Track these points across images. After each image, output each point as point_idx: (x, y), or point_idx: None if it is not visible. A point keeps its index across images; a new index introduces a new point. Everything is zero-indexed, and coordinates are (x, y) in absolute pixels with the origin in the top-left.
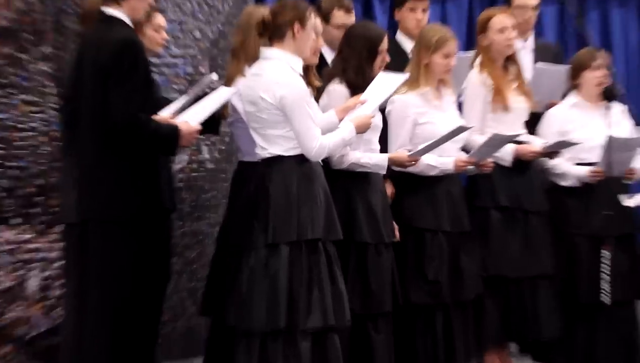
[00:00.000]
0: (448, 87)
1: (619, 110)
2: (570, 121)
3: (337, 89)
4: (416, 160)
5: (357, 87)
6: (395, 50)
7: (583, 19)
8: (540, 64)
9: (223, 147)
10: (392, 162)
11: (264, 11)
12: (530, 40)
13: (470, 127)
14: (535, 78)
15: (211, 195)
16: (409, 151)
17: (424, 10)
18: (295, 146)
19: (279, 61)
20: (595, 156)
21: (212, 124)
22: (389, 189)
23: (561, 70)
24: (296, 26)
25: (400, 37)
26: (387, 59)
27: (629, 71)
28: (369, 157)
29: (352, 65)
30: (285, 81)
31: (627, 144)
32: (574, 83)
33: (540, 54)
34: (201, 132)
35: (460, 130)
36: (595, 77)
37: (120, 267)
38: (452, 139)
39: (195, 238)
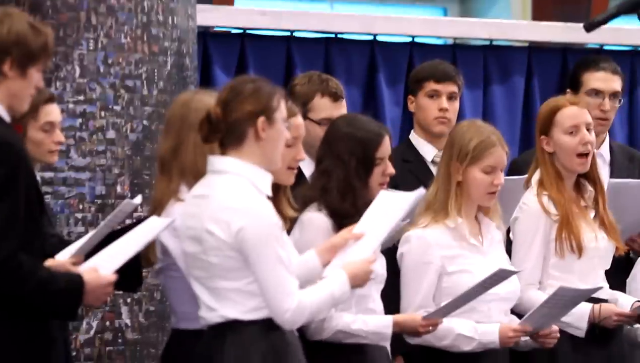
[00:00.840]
0: (493, 217)
1: None
2: None
3: (314, 220)
4: (435, 325)
5: (344, 215)
6: (412, 157)
7: None
8: (615, 180)
9: (152, 308)
10: (400, 328)
11: (208, 101)
12: (605, 147)
13: (518, 271)
14: (611, 201)
15: None
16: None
17: (451, 98)
18: (259, 306)
19: (235, 177)
20: None
21: (131, 274)
22: None
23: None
24: (260, 123)
25: (416, 138)
26: (391, 171)
27: None
28: (363, 321)
29: (336, 182)
30: (245, 206)
31: None
32: None
33: (619, 168)
34: (118, 286)
35: (503, 275)
36: None
37: None
38: (495, 294)
39: None
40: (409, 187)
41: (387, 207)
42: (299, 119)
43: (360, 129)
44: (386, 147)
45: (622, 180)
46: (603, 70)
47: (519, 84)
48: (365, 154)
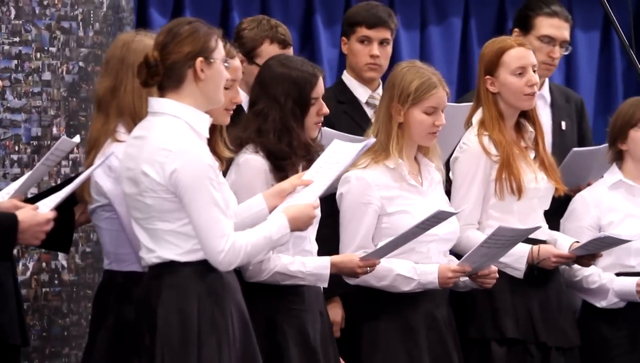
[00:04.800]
0: (432, 158)
1: None
2: (609, 209)
3: (251, 161)
4: (373, 266)
5: (280, 156)
6: (346, 98)
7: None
8: (577, 149)
9: (88, 249)
10: (337, 269)
11: (148, 43)
12: (546, 89)
13: (457, 212)
14: (569, 163)
15: (70, 321)
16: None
17: (383, 43)
18: (196, 248)
19: (172, 118)
20: None
21: (62, 233)
22: (337, 313)
23: (602, 151)
24: (199, 64)
25: (349, 79)
26: (326, 110)
27: None
28: (302, 262)
29: (272, 124)
30: (180, 148)
31: None
32: (614, 152)
33: (559, 109)
34: (49, 246)
35: (441, 217)
36: None
37: None
38: (434, 234)
39: None
40: (344, 128)
41: (338, 154)
42: (236, 61)
43: (295, 69)
44: (320, 86)
45: (584, 148)
46: (557, 17)
47: (456, 25)
48: (300, 95)
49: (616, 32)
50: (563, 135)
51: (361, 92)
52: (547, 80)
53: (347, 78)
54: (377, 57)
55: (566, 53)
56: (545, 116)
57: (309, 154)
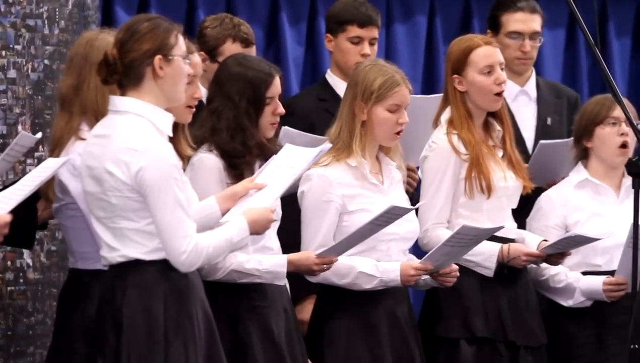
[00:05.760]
0: (394, 157)
1: None
2: (576, 208)
3: (205, 160)
4: (330, 263)
5: (234, 155)
6: (328, 96)
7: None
8: (544, 142)
9: (54, 248)
10: (294, 266)
11: (110, 40)
12: (531, 84)
13: (411, 209)
14: (538, 156)
15: (36, 320)
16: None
17: (372, 43)
18: (160, 246)
19: (136, 117)
20: (612, 260)
21: (25, 230)
22: (309, 311)
23: (570, 143)
24: (157, 61)
25: (332, 76)
26: (281, 110)
27: None
28: (258, 261)
29: (226, 123)
30: (145, 148)
31: None
32: (580, 150)
33: (546, 105)
34: (12, 242)
35: (395, 213)
36: (610, 137)
37: None
38: (394, 233)
39: None
40: (326, 125)
41: (292, 159)
42: (195, 57)
43: (250, 68)
44: (276, 86)
45: (551, 141)
46: (521, 11)
47: (422, 23)
48: (255, 94)
49: (581, 30)
50: (548, 131)
51: (343, 89)
52: (533, 75)
53: (330, 76)
54: (368, 55)
55: (540, 43)
56: (529, 112)
57: (263, 153)
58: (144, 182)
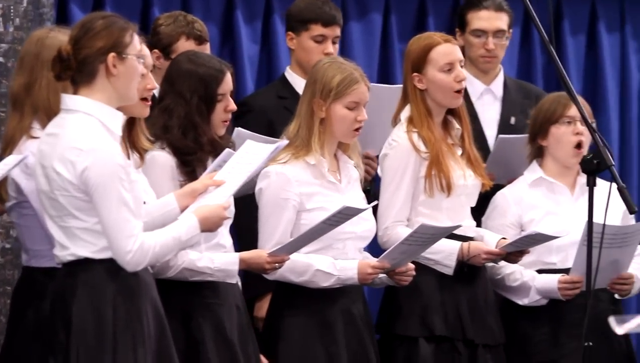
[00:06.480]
0: (352, 155)
1: (605, 189)
2: (530, 206)
3: (157, 158)
4: (282, 262)
5: (186, 152)
6: (288, 93)
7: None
8: (503, 136)
9: (8, 245)
10: (246, 265)
11: (63, 39)
12: (497, 83)
13: (363, 209)
14: (497, 150)
15: None
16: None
17: (335, 42)
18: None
19: (85, 116)
20: (567, 258)
21: None
22: (264, 308)
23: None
24: (110, 59)
25: (292, 74)
26: (233, 107)
27: (625, 125)
28: (209, 259)
29: (178, 120)
30: (91, 147)
31: None
32: (535, 148)
33: (511, 104)
34: None
35: (348, 213)
36: (566, 136)
37: None
38: (351, 232)
39: None
40: (285, 123)
41: (251, 155)
42: (145, 49)
43: (202, 65)
44: (228, 83)
45: (510, 136)
46: (486, 9)
47: (377, 20)
48: (206, 91)
49: (536, 28)
50: (512, 130)
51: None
52: (501, 74)
53: (290, 74)
54: (332, 54)
55: (506, 41)
56: (493, 111)
57: (215, 150)
58: (89, 182)
